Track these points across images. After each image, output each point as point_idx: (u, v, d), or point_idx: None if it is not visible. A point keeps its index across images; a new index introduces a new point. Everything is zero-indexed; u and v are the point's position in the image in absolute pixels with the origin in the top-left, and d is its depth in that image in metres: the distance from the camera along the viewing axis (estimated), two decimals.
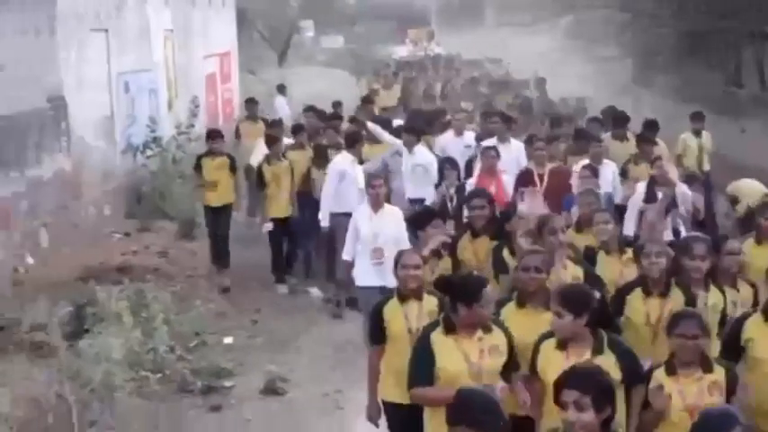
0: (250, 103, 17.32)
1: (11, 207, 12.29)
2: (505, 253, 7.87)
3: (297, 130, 13.84)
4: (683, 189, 10.23)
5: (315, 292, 12.44)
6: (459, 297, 5.90)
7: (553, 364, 5.67)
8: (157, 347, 9.12)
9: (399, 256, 7.01)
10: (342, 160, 11.99)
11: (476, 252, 8.39)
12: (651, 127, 13.67)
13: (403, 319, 6.65)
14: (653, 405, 5.67)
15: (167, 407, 8.35)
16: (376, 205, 9.79)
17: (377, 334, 6.86)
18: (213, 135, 13.30)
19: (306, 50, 41.62)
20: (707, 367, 5.72)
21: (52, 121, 13.53)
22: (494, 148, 11.73)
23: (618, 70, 24.46)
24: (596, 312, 5.80)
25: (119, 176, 15.80)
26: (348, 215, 10.76)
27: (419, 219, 8.40)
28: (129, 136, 16.31)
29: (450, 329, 5.91)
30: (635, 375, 5.78)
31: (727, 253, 7.54)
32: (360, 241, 9.75)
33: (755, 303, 7.25)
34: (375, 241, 9.61)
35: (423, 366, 5.89)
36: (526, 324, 6.23)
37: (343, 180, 11.73)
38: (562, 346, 5.78)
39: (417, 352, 5.98)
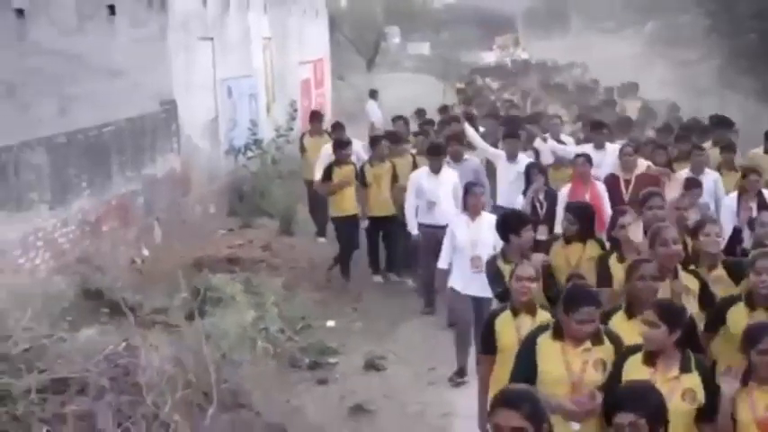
0: (315, 116, 16.69)
1: (129, 204, 13.50)
2: (612, 261, 7.89)
3: (394, 138, 13.99)
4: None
5: (410, 283, 13.25)
6: (562, 304, 5.91)
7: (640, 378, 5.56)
8: (269, 327, 10.14)
9: (515, 267, 6.95)
10: (416, 174, 12.29)
11: (567, 258, 8.43)
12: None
13: (514, 332, 6.56)
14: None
15: (280, 379, 9.36)
16: (475, 213, 9.87)
17: (488, 344, 6.86)
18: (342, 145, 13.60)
19: (393, 56, 42.62)
20: None
21: (164, 123, 14.73)
22: (585, 155, 11.58)
23: (701, 74, 24.97)
24: (688, 330, 5.73)
25: (222, 176, 16.96)
26: (425, 226, 11.61)
27: (510, 223, 8.21)
28: (232, 138, 17.47)
29: (558, 335, 5.92)
30: (713, 402, 5.61)
31: None
32: (457, 249, 9.85)
33: None
34: (474, 249, 9.67)
35: (524, 368, 5.91)
36: (635, 334, 5.98)
37: (419, 193, 12.03)
38: (650, 361, 5.69)
39: (522, 353, 6.02)
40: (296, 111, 19.46)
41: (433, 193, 11.88)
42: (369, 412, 8.90)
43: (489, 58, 38.88)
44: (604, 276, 7.74)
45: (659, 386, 5.32)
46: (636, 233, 8.07)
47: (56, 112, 14.22)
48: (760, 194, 10.43)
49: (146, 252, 13.67)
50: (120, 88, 14.19)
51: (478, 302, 9.48)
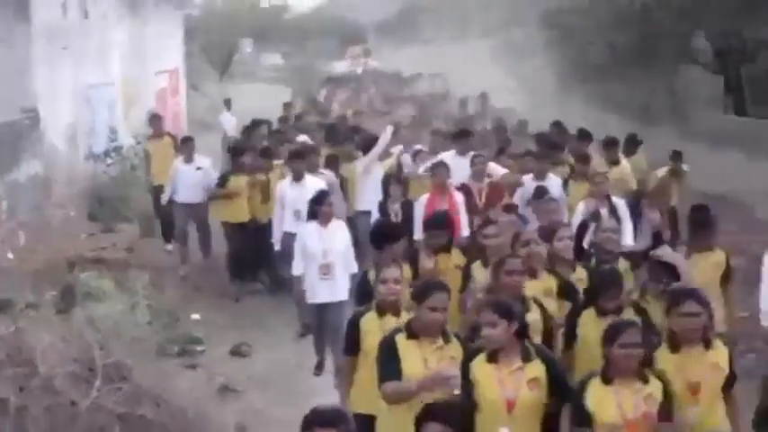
0: (155, 119, 17.02)
1: None
2: (476, 266, 8.28)
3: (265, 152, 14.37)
4: (621, 204, 11.05)
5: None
6: (413, 297, 6.29)
7: (486, 376, 5.96)
8: (138, 320, 10.93)
9: (379, 270, 7.15)
10: (281, 184, 12.55)
11: (436, 266, 8.59)
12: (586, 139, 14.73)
13: (379, 333, 6.64)
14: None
15: (153, 366, 10.16)
16: (326, 221, 10.11)
17: (352, 345, 7.02)
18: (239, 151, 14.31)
19: (246, 67, 43.29)
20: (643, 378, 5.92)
21: (27, 130, 15.28)
22: (443, 163, 11.81)
23: (544, 84, 26.60)
24: (524, 322, 6.08)
25: (82, 181, 17.51)
26: (292, 235, 11.24)
27: (386, 232, 8.52)
28: (91, 145, 18.06)
29: (411, 335, 6.22)
30: (564, 387, 6.03)
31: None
32: (307, 257, 10.07)
33: None
34: (325, 257, 9.97)
35: (390, 365, 6.16)
36: None
37: (284, 202, 12.31)
38: (492, 358, 5.99)
39: (384, 352, 6.25)
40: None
41: (297, 201, 11.92)
42: (235, 392, 9.80)
43: (341, 68, 39.94)
44: (466, 281, 8.21)
45: (504, 379, 5.89)
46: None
47: None
48: (610, 200, 11.09)
49: (10, 255, 14.18)
50: None
51: (324, 308, 9.96)
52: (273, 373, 10.60)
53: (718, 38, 22.06)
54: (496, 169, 12.69)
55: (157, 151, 16.07)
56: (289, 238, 11.64)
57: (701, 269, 8.41)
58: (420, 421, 4.84)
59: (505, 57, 29.31)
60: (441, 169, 11.49)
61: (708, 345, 6.28)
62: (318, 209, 10.14)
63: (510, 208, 11.29)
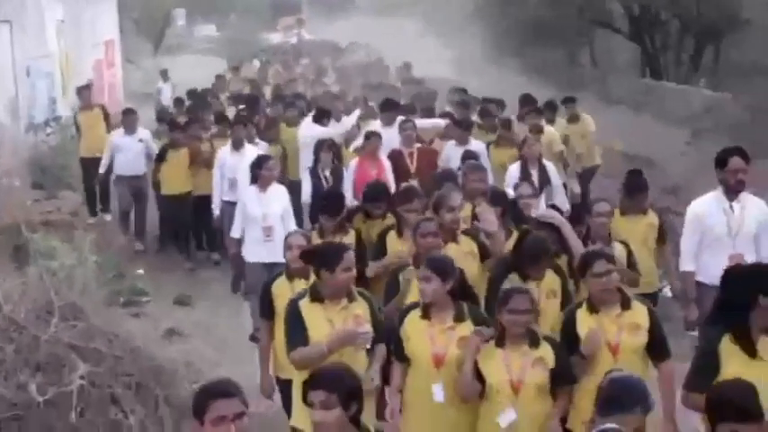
0: (84, 90, 17.26)
1: None
2: (390, 236, 8.39)
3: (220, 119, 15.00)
4: (551, 166, 11.60)
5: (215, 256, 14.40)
6: (322, 264, 6.36)
7: (418, 332, 6.29)
8: (87, 274, 11.76)
9: (287, 237, 7.62)
10: (221, 152, 13.13)
11: (368, 232, 8.90)
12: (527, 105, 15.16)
13: (290, 297, 6.79)
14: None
15: (102, 314, 11.03)
16: (265, 185, 10.51)
17: (266, 310, 7.39)
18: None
19: (180, 39, 43.74)
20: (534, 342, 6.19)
21: None
22: (376, 133, 12.26)
23: (471, 53, 27.66)
24: (459, 282, 6.41)
25: (24, 151, 18.23)
26: (229, 203, 12.06)
27: (331, 205, 8.83)
28: (32, 116, 18.79)
29: (316, 298, 6.40)
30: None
31: (596, 214, 8.49)
32: (248, 220, 10.49)
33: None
34: (264, 220, 10.38)
35: (296, 332, 6.36)
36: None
37: (223, 170, 12.86)
38: (426, 315, 6.30)
39: (289, 319, 6.45)
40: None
41: (234, 169, 12.51)
42: (181, 335, 10.73)
43: (275, 39, 40.60)
44: (379, 249, 8.35)
45: (436, 336, 6.21)
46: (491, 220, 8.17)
47: None
48: (541, 163, 11.64)
49: None
50: None
51: (270, 268, 9.89)
52: (215, 319, 11.51)
53: (631, 3, 23.16)
54: (423, 123, 13.48)
55: (87, 122, 16.45)
56: (226, 206, 12.30)
57: (637, 231, 8.99)
58: (306, 388, 4.79)
59: (437, 28, 30.31)
60: (373, 138, 12.02)
61: (626, 305, 6.43)
62: (258, 173, 10.55)
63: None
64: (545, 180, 11.46)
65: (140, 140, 14.98)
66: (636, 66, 23.85)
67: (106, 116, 16.42)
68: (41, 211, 15.45)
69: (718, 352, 5.70)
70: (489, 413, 6.19)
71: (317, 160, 12.30)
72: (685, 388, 5.93)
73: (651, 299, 7.99)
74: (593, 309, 6.44)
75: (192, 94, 20.39)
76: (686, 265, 8.75)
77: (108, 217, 16.21)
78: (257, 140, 13.71)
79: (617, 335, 6.35)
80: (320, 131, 13.50)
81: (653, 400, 5.27)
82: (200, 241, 14.76)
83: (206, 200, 13.56)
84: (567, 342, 6.40)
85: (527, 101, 15.67)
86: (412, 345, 6.28)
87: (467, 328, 6.25)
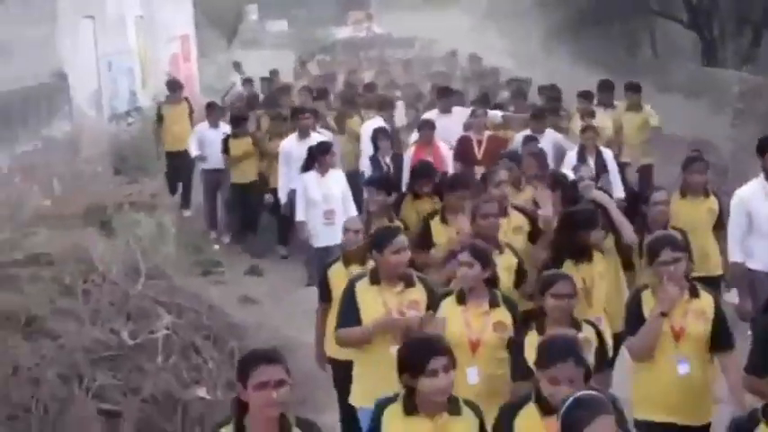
0: (174, 85, 17.64)
1: (32, 160, 16.04)
2: (434, 221, 8.63)
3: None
4: (608, 153, 11.83)
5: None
6: (373, 245, 6.61)
7: (454, 317, 6.37)
8: (168, 245, 12.92)
9: (345, 221, 7.98)
10: (286, 142, 13.37)
11: (417, 210, 9.28)
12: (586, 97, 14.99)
13: (346, 282, 6.89)
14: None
15: (182, 280, 12.17)
16: (325, 170, 11.13)
17: (323, 293, 7.64)
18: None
19: (253, 34, 44.93)
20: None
21: (58, 92, 17.30)
22: (429, 121, 12.77)
23: (528, 43, 28.50)
24: (495, 271, 6.59)
25: (106, 140, 19.53)
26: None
27: (384, 181, 9.37)
28: (114, 107, 20.09)
29: (374, 280, 6.56)
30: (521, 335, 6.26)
31: (654, 203, 8.33)
32: (309, 204, 11.05)
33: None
34: (326, 203, 10.97)
35: (348, 312, 6.56)
36: None
37: (288, 160, 13.06)
38: (462, 300, 6.44)
39: (344, 299, 6.65)
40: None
41: (301, 157, 12.41)
42: (254, 302, 11.81)
43: (344, 33, 41.60)
44: (423, 234, 8.61)
45: (472, 321, 6.34)
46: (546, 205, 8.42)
47: None
48: (599, 153, 11.94)
49: (47, 202, 16.18)
50: (18, 63, 16.68)
51: (328, 252, 10.54)
52: (286, 289, 12.56)
53: None
54: (493, 116, 13.89)
55: (173, 116, 16.87)
56: (293, 195, 12.49)
57: (698, 214, 9.06)
58: (420, 359, 4.89)
59: (494, 19, 31.12)
60: (426, 127, 12.58)
61: (693, 292, 6.40)
62: (318, 158, 11.21)
63: None
64: (602, 167, 11.73)
65: (224, 134, 15.18)
66: (696, 54, 24.47)
67: (191, 111, 16.93)
68: (124, 194, 16.68)
69: None
70: None
71: (376, 148, 12.64)
72: (745, 371, 5.99)
73: (713, 283, 8.38)
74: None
75: (265, 80, 21.41)
76: (735, 255, 8.85)
77: (187, 213, 16.61)
78: (320, 129, 14.10)
79: (681, 320, 6.30)
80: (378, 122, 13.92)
81: (588, 358, 5.19)
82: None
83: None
84: (632, 323, 6.41)
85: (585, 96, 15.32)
86: (448, 329, 6.31)
87: (501, 313, 6.43)
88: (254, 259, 14.16)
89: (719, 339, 6.35)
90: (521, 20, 29.05)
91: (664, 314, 6.20)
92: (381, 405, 5.04)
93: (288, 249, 14.25)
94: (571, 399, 4.28)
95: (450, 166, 12.13)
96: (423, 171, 9.70)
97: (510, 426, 4.96)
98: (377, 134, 12.78)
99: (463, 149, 12.49)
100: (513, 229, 8.29)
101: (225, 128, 15.28)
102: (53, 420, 7.42)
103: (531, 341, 5.90)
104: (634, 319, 6.42)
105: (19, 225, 11.34)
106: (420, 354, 4.83)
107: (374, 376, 6.45)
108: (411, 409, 4.90)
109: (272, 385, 4.49)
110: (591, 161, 11.64)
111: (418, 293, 6.59)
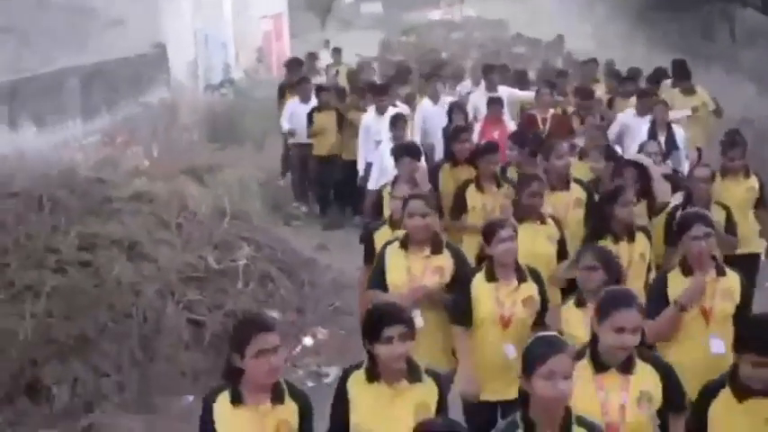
0: (292, 64, 17.75)
1: (133, 123, 17.83)
2: (470, 190, 8.99)
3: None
4: (679, 132, 11.92)
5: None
6: None
7: (484, 294, 6.47)
8: (254, 201, 14.46)
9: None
10: (365, 117, 13.75)
11: (456, 180, 9.50)
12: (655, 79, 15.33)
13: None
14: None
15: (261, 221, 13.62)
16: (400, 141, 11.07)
17: (368, 255, 7.77)
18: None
19: (347, 15, 46.41)
20: None
21: (157, 62, 19.09)
22: (498, 99, 13.15)
23: (606, 27, 29.55)
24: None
25: (202, 109, 21.25)
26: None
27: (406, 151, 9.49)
28: (209, 78, 21.86)
29: (403, 244, 6.81)
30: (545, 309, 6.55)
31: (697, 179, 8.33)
32: (383, 175, 11.03)
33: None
34: None
35: (377, 273, 6.90)
36: (524, 237, 6.91)
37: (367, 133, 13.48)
38: (492, 276, 6.51)
39: (377, 260, 6.98)
40: (263, 56, 23.90)
41: (378, 131, 13.00)
42: (327, 249, 13.34)
43: (434, 16, 42.90)
44: (458, 203, 9.02)
45: (503, 298, 6.42)
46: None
47: (75, 49, 18.40)
48: (669, 128, 12.02)
49: (146, 162, 17.93)
50: (121, 34, 18.49)
51: None
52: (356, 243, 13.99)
53: None
54: (513, 93, 14.47)
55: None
56: (370, 167, 12.79)
57: (738, 194, 9.07)
58: (378, 325, 5.01)
59: (574, 4, 32.24)
60: (495, 104, 13.16)
61: (720, 271, 6.40)
62: (394, 131, 11.65)
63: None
64: (672, 145, 11.81)
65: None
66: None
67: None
68: (216, 158, 18.35)
69: None
70: None
71: (450, 121, 12.92)
72: None
73: (750, 261, 8.80)
74: (687, 271, 6.41)
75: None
76: None
77: (281, 182, 16.99)
78: (398, 104, 14.48)
79: (711, 300, 6.28)
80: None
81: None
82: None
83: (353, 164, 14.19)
84: (654, 304, 6.32)
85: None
86: (479, 307, 6.45)
87: (530, 288, 6.52)
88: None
89: (738, 318, 6.20)
90: (597, 4, 30.05)
91: (683, 309, 6.23)
92: (347, 371, 5.19)
93: (362, 219, 14.39)
94: (533, 337, 4.58)
95: None
96: (490, 148, 9.52)
97: None
98: (451, 109, 13.30)
99: (528, 127, 12.65)
100: (574, 200, 8.56)
101: (315, 102, 15.44)
102: (150, 326, 9.04)
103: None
104: (657, 300, 6.39)
105: (121, 176, 12.92)
106: (377, 321, 4.93)
107: None
108: (373, 375, 5.03)
109: (270, 352, 4.66)
110: (661, 138, 11.67)
111: (444, 260, 6.79)
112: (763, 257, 9.59)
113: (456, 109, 13.27)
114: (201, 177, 14.30)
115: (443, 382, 5.22)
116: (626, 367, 5.03)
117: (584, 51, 26.12)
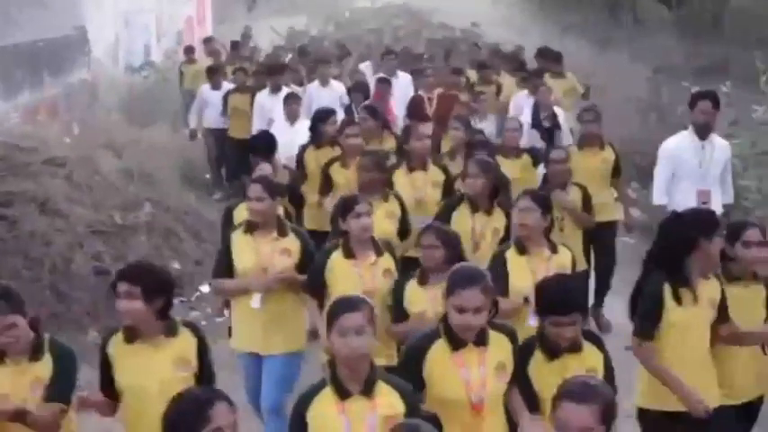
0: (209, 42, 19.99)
1: (54, 103, 18.92)
2: (335, 167, 9.32)
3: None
4: (561, 113, 12.47)
5: None
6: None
7: (344, 271, 6.73)
8: (169, 173, 15.61)
9: None
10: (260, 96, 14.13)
11: (318, 161, 9.80)
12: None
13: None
14: None
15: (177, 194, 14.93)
16: (292, 119, 11.93)
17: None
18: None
19: (275, 1, 47.09)
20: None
21: (78, 43, 20.17)
22: (386, 79, 13.89)
23: (515, 13, 31.00)
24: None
25: (122, 89, 22.34)
26: None
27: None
28: (130, 61, 23.00)
29: (248, 229, 6.97)
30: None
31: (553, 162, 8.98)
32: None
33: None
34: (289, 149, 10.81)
35: (222, 257, 7.09)
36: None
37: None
38: (523, 250, 6.65)
39: (220, 250, 7.21)
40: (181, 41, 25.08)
41: (272, 111, 13.42)
42: None
43: (362, 3, 43.70)
44: (324, 181, 9.34)
45: (363, 272, 6.70)
46: None
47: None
48: (553, 113, 12.54)
49: (67, 140, 19.00)
50: (43, 15, 19.51)
51: None
52: None
53: None
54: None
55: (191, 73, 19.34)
56: None
57: (593, 165, 9.75)
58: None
59: None
60: (381, 83, 13.80)
61: (553, 249, 6.76)
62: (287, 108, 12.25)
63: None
64: (555, 125, 12.40)
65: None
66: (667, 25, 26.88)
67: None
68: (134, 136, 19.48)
69: (662, 298, 5.84)
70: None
71: (350, 101, 13.56)
72: (635, 335, 5.99)
73: (609, 227, 9.82)
74: (521, 250, 6.73)
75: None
76: (660, 198, 9.38)
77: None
78: (291, 85, 14.64)
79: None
80: None
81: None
82: None
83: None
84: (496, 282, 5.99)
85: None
86: (513, 280, 6.65)
87: (387, 261, 6.87)
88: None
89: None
90: None
91: None
92: (105, 337, 5.49)
93: None
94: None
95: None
96: (349, 122, 10.15)
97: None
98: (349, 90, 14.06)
99: (415, 107, 13.28)
100: (430, 182, 8.88)
101: (226, 87, 16.08)
102: (60, 272, 10.31)
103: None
104: (496, 279, 6.05)
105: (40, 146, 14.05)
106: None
107: (241, 324, 7.22)
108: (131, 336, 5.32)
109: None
110: (545, 120, 12.38)
111: (291, 242, 6.98)
112: (621, 219, 10.37)
113: (356, 87, 13.96)
114: (120, 153, 15.46)
115: (203, 335, 5.48)
116: (480, 340, 5.12)
117: (497, 38, 27.60)
